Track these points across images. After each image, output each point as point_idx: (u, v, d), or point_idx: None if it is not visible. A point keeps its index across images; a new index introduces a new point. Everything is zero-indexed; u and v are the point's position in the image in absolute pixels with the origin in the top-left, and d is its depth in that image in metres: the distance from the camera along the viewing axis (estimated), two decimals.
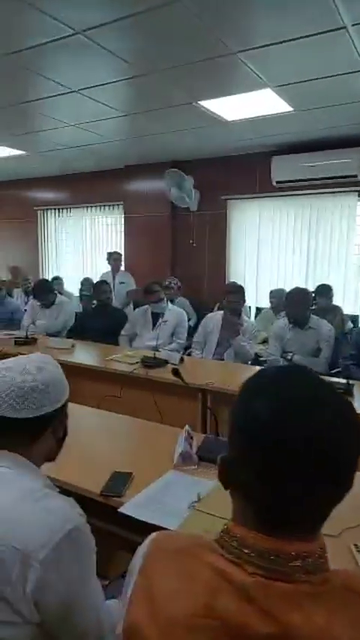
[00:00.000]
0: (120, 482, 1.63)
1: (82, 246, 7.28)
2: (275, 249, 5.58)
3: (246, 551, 0.63)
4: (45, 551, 0.88)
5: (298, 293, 3.58)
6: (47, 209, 7.49)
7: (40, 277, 7.14)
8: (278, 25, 2.52)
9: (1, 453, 1.03)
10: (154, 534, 0.79)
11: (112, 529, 1.56)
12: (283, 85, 3.34)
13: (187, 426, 1.98)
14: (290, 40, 2.68)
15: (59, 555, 0.89)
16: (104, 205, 6.84)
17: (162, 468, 1.75)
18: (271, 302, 5.06)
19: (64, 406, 1.13)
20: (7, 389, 1.03)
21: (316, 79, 3.22)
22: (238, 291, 3.77)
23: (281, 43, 2.70)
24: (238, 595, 0.61)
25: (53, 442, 1.12)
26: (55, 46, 2.78)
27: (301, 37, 2.65)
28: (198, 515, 1.45)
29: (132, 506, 1.50)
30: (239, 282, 5.27)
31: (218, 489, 1.61)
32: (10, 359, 1.11)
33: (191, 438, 1.91)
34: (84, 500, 1.56)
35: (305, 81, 3.26)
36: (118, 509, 1.49)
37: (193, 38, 2.67)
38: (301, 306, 3.50)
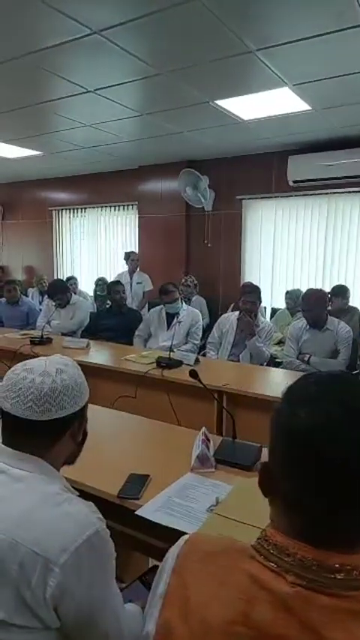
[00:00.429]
0: (137, 484, 1.61)
1: (97, 247, 7.30)
2: (291, 249, 5.52)
3: (287, 559, 0.61)
4: (65, 556, 0.87)
5: (315, 294, 3.54)
6: (62, 209, 7.53)
7: (55, 277, 7.19)
8: (298, 22, 2.48)
9: (21, 456, 1.02)
10: (187, 535, 0.77)
11: (129, 532, 1.55)
12: (302, 84, 3.30)
13: (203, 428, 1.96)
14: (310, 38, 2.64)
15: (79, 560, 0.88)
16: (118, 205, 6.85)
17: (179, 471, 1.73)
18: (287, 303, 5.01)
19: (84, 409, 1.12)
20: (27, 390, 1.03)
21: (336, 77, 3.17)
22: (254, 291, 3.74)
23: (301, 40, 2.67)
24: (276, 605, 0.59)
25: (72, 445, 1.11)
26: (72, 46, 2.78)
27: (321, 35, 2.60)
28: (217, 520, 1.42)
29: (149, 509, 1.48)
30: (255, 282, 5.25)
31: (237, 493, 1.59)
32: (30, 360, 1.10)
33: (208, 440, 1.88)
34: (100, 502, 1.56)
35: (325, 79, 3.21)
36: (135, 512, 1.47)
37: (211, 36, 2.65)
38: (319, 307, 3.45)
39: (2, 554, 0.88)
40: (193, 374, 2.00)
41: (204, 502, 1.52)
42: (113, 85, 3.38)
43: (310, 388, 0.66)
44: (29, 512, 0.92)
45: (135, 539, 1.56)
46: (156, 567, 1.45)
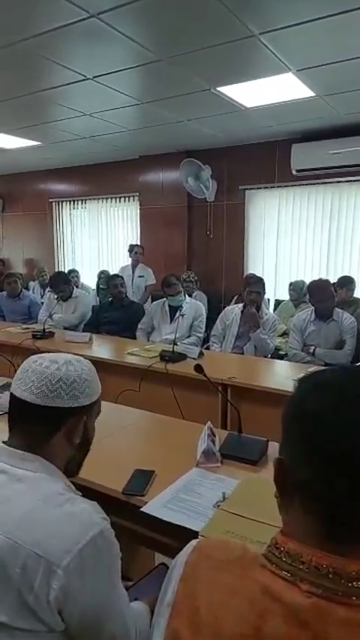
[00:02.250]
0: (142, 480, 1.57)
1: (98, 239, 7.23)
2: (295, 239, 5.45)
3: (301, 567, 0.57)
4: (68, 558, 0.84)
5: (327, 285, 3.49)
6: (62, 201, 7.46)
7: (56, 270, 7.12)
8: (302, 4, 2.40)
9: (23, 456, 0.99)
10: (195, 542, 0.74)
11: (135, 528, 1.51)
12: (306, 69, 3.22)
13: (209, 423, 1.92)
14: (314, 20, 2.56)
15: (83, 562, 0.85)
16: (119, 197, 6.78)
17: (184, 466, 1.69)
18: (290, 294, 4.95)
19: (85, 409, 1.07)
20: (32, 373, 1.03)
21: (341, 61, 3.09)
22: (258, 282, 3.69)
23: (305, 23, 2.59)
24: (290, 618, 0.55)
25: (68, 447, 1.06)
26: (70, 31, 2.70)
27: (325, 17, 2.52)
28: (223, 516, 1.39)
29: (155, 506, 1.45)
30: (258, 274, 5.19)
31: (244, 488, 1.55)
32: (50, 353, 1.11)
33: (214, 434, 1.84)
34: (105, 499, 1.53)
35: (329, 64, 3.13)
36: (141, 509, 1.44)
37: (213, 20, 2.57)
38: (331, 298, 3.41)
39: (3, 557, 0.85)
40: (199, 368, 1.96)
41: (210, 498, 1.48)
42: (113, 72, 3.30)
43: (324, 375, 0.66)
44: (31, 513, 0.88)
45: (141, 535, 1.53)
46: (164, 564, 1.43)
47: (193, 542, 0.74)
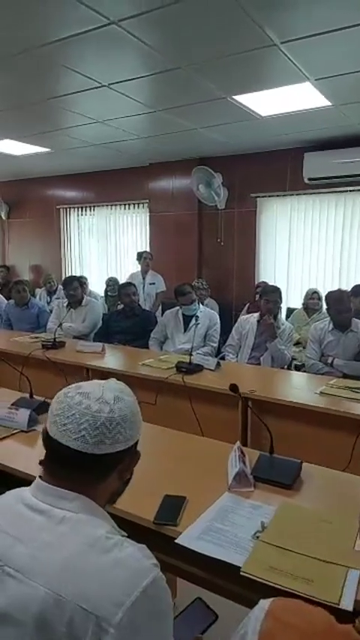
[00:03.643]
0: (173, 507, 1.50)
1: (107, 246, 7.17)
2: (307, 248, 5.39)
3: None
4: (120, 614, 0.76)
5: (341, 295, 3.42)
6: (70, 207, 7.41)
7: (63, 277, 7.06)
8: (324, 12, 2.36)
9: (64, 494, 0.91)
10: (266, 603, 0.66)
11: (168, 560, 1.44)
12: (324, 78, 3.17)
13: (238, 443, 1.85)
14: (336, 30, 2.51)
15: (136, 616, 0.77)
16: (129, 204, 6.73)
17: (215, 490, 1.62)
18: (304, 304, 4.87)
19: (136, 444, 1.00)
20: (81, 417, 0.91)
21: (359, 71, 3.04)
22: (275, 291, 3.63)
23: (327, 33, 2.54)
24: None
25: (118, 483, 1.00)
26: (89, 38, 2.64)
27: (348, 27, 2.48)
28: (264, 548, 1.32)
29: (190, 537, 1.37)
30: (269, 282, 5.13)
31: (281, 517, 1.48)
32: (84, 383, 0.99)
33: (244, 455, 1.77)
34: (135, 527, 1.46)
35: (348, 73, 3.08)
36: (175, 541, 1.36)
37: (234, 29, 2.52)
38: (346, 310, 3.34)
39: (47, 613, 0.77)
40: (234, 388, 1.88)
41: (248, 527, 1.41)
42: (129, 80, 3.26)
43: None
44: (75, 561, 0.81)
45: (175, 566, 1.45)
46: (200, 600, 1.35)
47: (264, 603, 0.66)
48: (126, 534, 0.94)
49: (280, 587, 1.18)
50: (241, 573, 1.23)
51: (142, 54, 2.86)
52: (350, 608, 1.12)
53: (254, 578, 1.21)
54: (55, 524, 0.87)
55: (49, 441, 0.94)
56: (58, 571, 0.80)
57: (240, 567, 1.24)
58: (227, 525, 1.43)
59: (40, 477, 0.95)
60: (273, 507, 1.52)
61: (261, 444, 2.63)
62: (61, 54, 2.88)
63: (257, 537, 1.36)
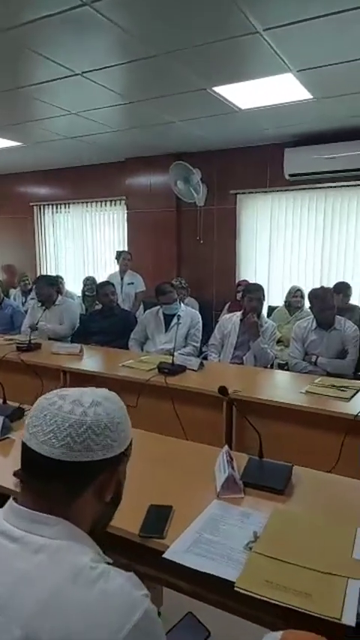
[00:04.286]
0: (159, 518, 1.40)
1: (83, 244, 7.00)
2: (288, 245, 5.35)
3: None
4: None
5: (323, 293, 3.37)
6: (44, 204, 7.20)
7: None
8: None
9: (40, 518, 0.79)
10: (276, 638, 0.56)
11: (157, 575, 1.33)
12: (307, 69, 3.10)
13: (226, 447, 1.76)
14: (322, 17, 2.42)
15: None
16: (105, 201, 6.57)
17: (203, 498, 1.52)
18: (286, 302, 4.83)
19: (119, 459, 0.87)
20: (51, 419, 0.82)
21: (343, 62, 2.98)
22: (259, 289, 3.56)
23: (312, 19, 2.45)
24: None
25: (98, 505, 0.86)
26: (60, 20, 2.50)
27: (334, 13, 2.39)
28: (258, 560, 1.22)
29: (178, 550, 1.27)
30: (250, 280, 5.07)
31: (275, 525, 1.38)
32: (73, 388, 0.89)
33: (232, 460, 1.68)
34: (120, 541, 1.34)
35: (330, 65, 3.02)
36: (163, 555, 1.26)
37: (216, 14, 2.42)
38: (328, 307, 3.29)
39: None
40: (223, 391, 1.78)
41: (240, 537, 1.32)
42: (104, 68, 3.12)
43: None
44: (57, 597, 0.70)
45: (165, 581, 1.35)
46: (192, 614, 1.25)
47: (274, 637, 0.56)
48: (111, 561, 0.83)
49: (277, 602, 1.09)
50: (236, 589, 1.14)
51: (117, 39, 2.73)
52: (353, 623, 1.04)
53: (250, 594, 1.12)
54: (31, 553, 0.75)
55: (23, 447, 0.84)
56: (37, 608, 0.68)
57: (234, 582, 1.15)
58: (217, 536, 1.33)
59: (14, 498, 0.84)
60: (265, 514, 1.43)
61: (246, 446, 2.54)
62: (30, 38, 2.72)
63: (250, 548, 1.27)
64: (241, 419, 2.47)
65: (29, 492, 0.83)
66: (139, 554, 1.36)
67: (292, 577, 1.16)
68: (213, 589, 1.24)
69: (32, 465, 0.82)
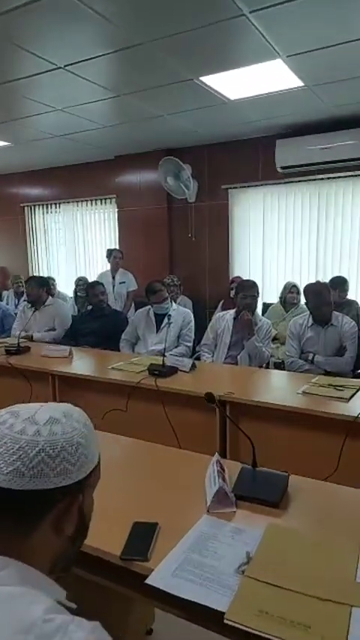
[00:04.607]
0: (143, 537, 1.27)
1: (75, 244, 6.87)
2: (282, 240, 5.21)
3: None
4: None
5: (319, 288, 3.25)
6: (35, 205, 7.07)
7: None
8: None
9: None
10: None
11: (142, 599, 1.21)
12: (296, 55, 2.98)
13: (216, 455, 1.63)
14: None
15: None
16: (95, 199, 6.44)
17: (192, 513, 1.40)
18: (281, 298, 4.70)
19: (80, 488, 0.76)
20: (1, 439, 0.71)
21: (334, 45, 2.86)
22: (253, 286, 3.44)
23: None
24: None
25: (58, 541, 0.74)
26: (39, 9, 2.38)
27: None
28: (251, 586, 1.10)
29: (163, 575, 1.14)
30: (244, 277, 4.94)
31: (269, 543, 1.26)
32: (31, 404, 0.79)
33: (223, 470, 1.55)
34: (100, 563, 1.22)
35: (321, 48, 2.90)
36: (146, 581, 1.13)
37: None
38: (324, 303, 3.18)
39: None
40: (210, 397, 1.65)
41: (231, 558, 1.19)
42: (86, 60, 3.00)
43: None
44: None
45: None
46: None
47: None
48: (74, 606, 0.70)
49: (273, 637, 0.97)
50: (226, 621, 1.01)
51: (99, 28, 2.61)
52: None
53: (241, 627, 1.00)
54: None
55: None
56: None
57: (224, 613, 1.02)
58: (207, 557, 1.21)
59: None
60: (258, 531, 1.30)
61: (240, 451, 2.43)
62: (9, 29, 2.60)
63: (242, 572, 1.14)
64: (236, 421, 2.35)
65: None
66: (121, 576, 1.24)
67: (289, 605, 1.04)
68: (202, 617, 1.11)
69: None
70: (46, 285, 4.33)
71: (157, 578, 1.14)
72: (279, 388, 2.79)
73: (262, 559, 1.19)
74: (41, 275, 6.76)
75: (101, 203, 6.43)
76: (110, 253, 5.57)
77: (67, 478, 0.72)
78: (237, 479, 1.54)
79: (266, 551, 1.22)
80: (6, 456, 0.69)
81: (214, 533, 1.31)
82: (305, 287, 3.39)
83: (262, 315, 4.73)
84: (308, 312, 3.38)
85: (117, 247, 5.90)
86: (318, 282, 3.45)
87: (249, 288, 3.40)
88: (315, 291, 3.28)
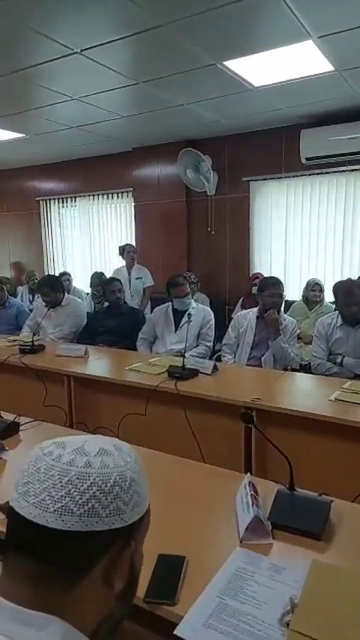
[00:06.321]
0: (169, 574, 1.12)
1: (90, 239, 6.74)
2: (305, 234, 5.00)
3: None
4: None
5: (349, 286, 3.05)
6: (50, 199, 6.97)
7: (46, 274, 6.62)
8: None
9: (31, 618, 0.55)
10: None
11: None
12: (329, 35, 2.77)
13: (248, 476, 1.47)
14: None
15: None
16: (112, 193, 6.29)
17: (223, 543, 1.24)
18: (304, 296, 4.50)
19: (132, 530, 0.64)
20: (46, 472, 0.61)
21: None
22: (278, 283, 3.26)
23: None
24: None
25: (107, 595, 0.62)
26: None
27: None
28: None
29: (194, 625, 0.99)
30: (265, 273, 4.76)
31: (315, 585, 1.09)
32: (71, 436, 0.69)
33: (256, 493, 1.39)
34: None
35: (356, 28, 2.68)
36: (175, 631, 0.98)
37: None
38: (355, 302, 2.98)
39: None
40: (248, 418, 1.48)
41: (272, 605, 1.03)
42: (104, 43, 2.84)
43: None
44: None
45: None
46: None
47: None
48: None
49: None
50: None
51: (118, 10, 2.45)
52: None
53: None
54: None
55: (8, 512, 0.62)
56: None
57: None
58: (244, 603, 1.05)
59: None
60: (300, 569, 1.14)
61: (266, 462, 2.26)
62: (23, 11, 2.45)
63: (287, 624, 0.98)
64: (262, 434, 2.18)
65: (12, 576, 0.60)
66: (150, 620, 1.09)
67: None
68: None
69: (18, 534, 0.61)
70: (58, 285, 4.17)
71: (188, 629, 0.98)
72: (308, 394, 2.61)
73: (309, 607, 1.03)
74: (56, 271, 6.68)
75: (118, 197, 6.28)
76: (123, 250, 5.42)
77: (119, 520, 0.61)
78: (273, 504, 1.37)
79: (313, 596, 1.06)
80: (53, 490, 0.59)
81: (250, 572, 1.15)
82: (335, 285, 3.20)
83: (285, 313, 4.55)
84: (336, 312, 3.19)
85: (132, 242, 5.75)
86: (349, 280, 3.25)
87: (274, 286, 3.22)
88: (345, 289, 3.08)
